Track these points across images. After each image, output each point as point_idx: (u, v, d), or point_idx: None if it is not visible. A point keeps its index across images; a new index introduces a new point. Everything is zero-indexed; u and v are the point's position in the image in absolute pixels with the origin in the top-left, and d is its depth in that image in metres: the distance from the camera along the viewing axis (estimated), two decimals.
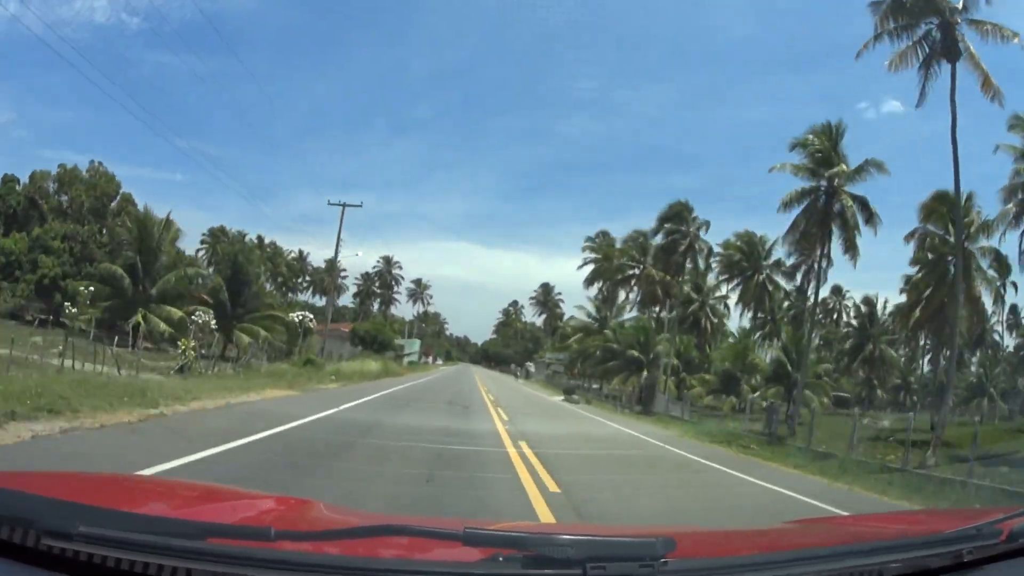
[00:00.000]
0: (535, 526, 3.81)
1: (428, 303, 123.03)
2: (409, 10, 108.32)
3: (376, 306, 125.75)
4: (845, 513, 6.74)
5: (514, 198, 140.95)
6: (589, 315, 64.00)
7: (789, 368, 38.34)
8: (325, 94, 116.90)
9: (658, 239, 44.44)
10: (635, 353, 44.30)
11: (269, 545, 1.29)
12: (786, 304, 52.39)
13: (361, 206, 35.35)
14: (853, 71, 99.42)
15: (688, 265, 43.97)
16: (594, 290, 62.51)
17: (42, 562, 1.25)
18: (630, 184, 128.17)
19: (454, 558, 1.42)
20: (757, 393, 40.46)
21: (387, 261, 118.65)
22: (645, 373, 45.97)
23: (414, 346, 79.18)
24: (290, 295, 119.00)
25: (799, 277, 50.20)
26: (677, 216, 43.08)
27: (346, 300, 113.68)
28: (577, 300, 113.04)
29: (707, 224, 43.06)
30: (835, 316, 61.08)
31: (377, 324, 55.28)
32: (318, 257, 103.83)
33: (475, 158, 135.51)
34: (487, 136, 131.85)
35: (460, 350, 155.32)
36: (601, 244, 61.13)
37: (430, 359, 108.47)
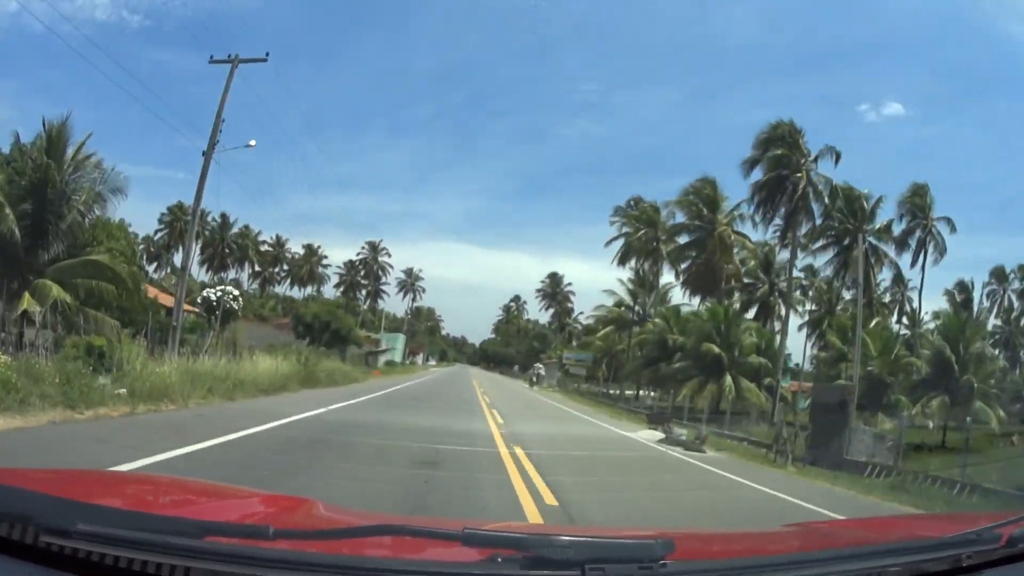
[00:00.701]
0: (534, 527, 3.72)
1: (420, 295, 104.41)
2: (409, 11, 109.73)
3: (364, 301, 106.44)
4: None
5: (513, 199, 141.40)
6: (621, 304, 45.52)
7: (956, 369, 28.37)
8: (324, 95, 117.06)
9: (755, 175, 28.02)
10: (714, 349, 26.41)
11: (267, 544, 1.30)
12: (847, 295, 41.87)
13: (267, 59, 18.28)
14: (853, 73, 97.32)
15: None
16: (626, 272, 51.37)
17: (41, 559, 1.26)
18: (630, 186, 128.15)
19: (453, 558, 1.43)
20: (916, 408, 29.30)
21: (373, 247, 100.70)
22: (728, 378, 34.06)
23: (396, 342, 62.18)
24: (268, 288, 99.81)
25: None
26: (782, 141, 26.23)
27: (328, 293, 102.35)
28: (581, 300, 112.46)
29: (834, 153, 26.87)
30: (897, 309, 45.06)
31: (329, 305, 38.06)
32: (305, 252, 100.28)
33: (474, 159, 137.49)
34: (487, 137, 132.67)
35: (457, 350, 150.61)
36: (639, 212, 43.44)
37: (419, 358, 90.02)
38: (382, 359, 49.72)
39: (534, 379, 53.12)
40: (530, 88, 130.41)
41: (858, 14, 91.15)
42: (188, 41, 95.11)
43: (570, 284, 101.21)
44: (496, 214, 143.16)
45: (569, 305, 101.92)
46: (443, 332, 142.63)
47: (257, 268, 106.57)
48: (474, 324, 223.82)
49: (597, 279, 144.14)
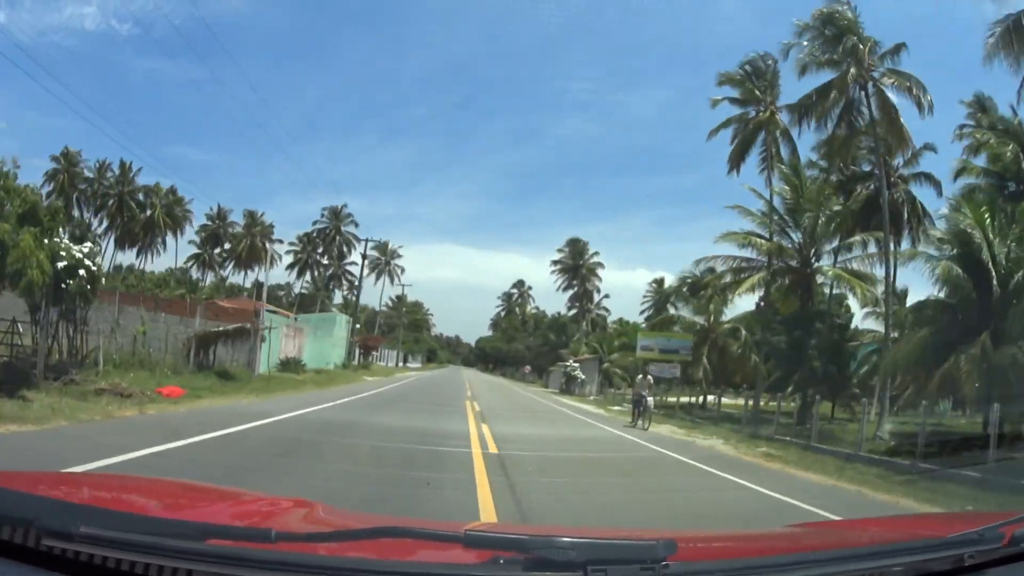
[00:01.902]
0: (536, 528, 3.86)
1: (398, 277, 78.03)
2: (402, 13, 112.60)
3: (327, 285, 79.05)
4: None
5: (508, 200, 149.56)
6: (751, 242, 28.00)
7: None
8: (317, 98, 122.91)
9: None
10: None
11: (269, 546, 1.34)
12: None
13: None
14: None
15: None
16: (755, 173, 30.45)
17: (43, 562, 1.30)
18: (624, 185, 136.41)
19: (454, 560, 1.48)
20: None
21: (334, 214, 73.94)
22: None
23: (331, 327, 35.19)
24: (210, 274, 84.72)
25: None
26: None
27: (279, 277, 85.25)
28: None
29: None
30: None
31: None
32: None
33: (469, 160, 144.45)
34: (481, 138, 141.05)
35: (451, 351, 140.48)
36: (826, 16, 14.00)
37: (381, 357, 63.02)
38: (267, 353, 24.00)
39: (645, 397, 20.06)
40: (524, 88, 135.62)
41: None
42: (178, 48, 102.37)
43: (597, 254, 75.73)
44: (490, 215, 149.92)
45: (597, 283, 76.49)
46: (436, 332, 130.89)
47: (196, 248, 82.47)
48: (470, 326, 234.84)
49: None
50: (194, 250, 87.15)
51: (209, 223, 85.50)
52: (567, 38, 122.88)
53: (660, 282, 78.00)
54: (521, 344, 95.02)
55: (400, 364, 79.98)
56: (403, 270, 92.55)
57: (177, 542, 1.28)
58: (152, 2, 79.79)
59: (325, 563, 1.32)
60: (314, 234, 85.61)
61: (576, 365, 47.29)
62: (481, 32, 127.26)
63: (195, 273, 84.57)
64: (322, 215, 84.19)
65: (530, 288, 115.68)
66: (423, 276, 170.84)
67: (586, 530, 3.57)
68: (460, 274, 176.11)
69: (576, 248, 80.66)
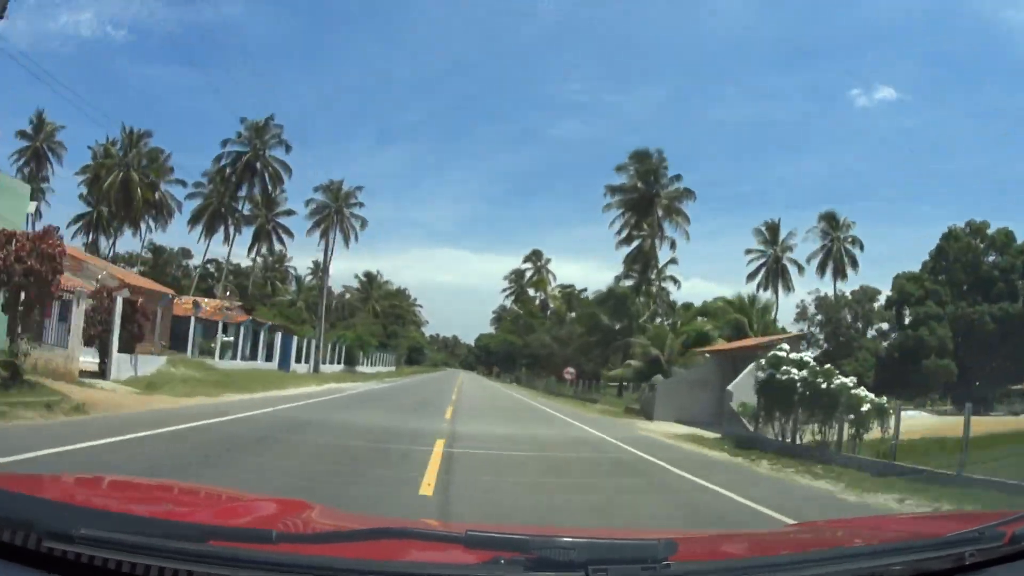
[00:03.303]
0: (538, 529, 3.45)
1: (355, 231, 43.87)
2: (397, 16, 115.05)
3: (254, 247, 42.90)
4: None
5: (504, 203, 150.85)
6: None
7: None
8: (312, 103, 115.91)
9: None
10: None
11: (271, 547, 1.39)
12: None
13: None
14: (841, 64, 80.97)
15: None
16: None
17: (44, 564, 1.36)
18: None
19: (456, 561, 1.54)
20: None
21: (256, 130, 34.49)
22: None
23: None
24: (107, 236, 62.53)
25: None
26: None
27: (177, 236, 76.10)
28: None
29: None
30: None
31: None
32: None
33: (465, 163, 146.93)
34: (476, 141, 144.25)
35: (448, 352, 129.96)
36: None
37: (299, 355, 27.85)
38: None
39: None
40: (519, 91, 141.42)
41: (845, 7, 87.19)
42: (172, 54, 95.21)
43: (679, 178, 46.15)
44: (487, 218, 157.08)
45: (685, 227, 46.52)
46: (432, 333, 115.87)
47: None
48: (468, 329, 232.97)
49: (590, 280, 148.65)
50: (84, 208, 56.67)
51: (92, 162, 55.05)
52: (561, 39, 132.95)
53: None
54: (547, 334, 66.09)
55: (324, 365, 45.49)
56: (364, 223, 61.28)
57: (178, 543, 1.31)
58: (146, 6, 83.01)
59: (327, 564, 1.35)
60: (225, 166, 54.88)
61: (810, 358, 17.79)
62: (475, 35, 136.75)
63: (80, 239, 54.09)
64: (238, 135, 53.60)
65: (549, 261, 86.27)
66: (420, 280, 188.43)
67: (587, 530, 3.66)
68: (457, 278, 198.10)
69: (647, 166, 52.25)
